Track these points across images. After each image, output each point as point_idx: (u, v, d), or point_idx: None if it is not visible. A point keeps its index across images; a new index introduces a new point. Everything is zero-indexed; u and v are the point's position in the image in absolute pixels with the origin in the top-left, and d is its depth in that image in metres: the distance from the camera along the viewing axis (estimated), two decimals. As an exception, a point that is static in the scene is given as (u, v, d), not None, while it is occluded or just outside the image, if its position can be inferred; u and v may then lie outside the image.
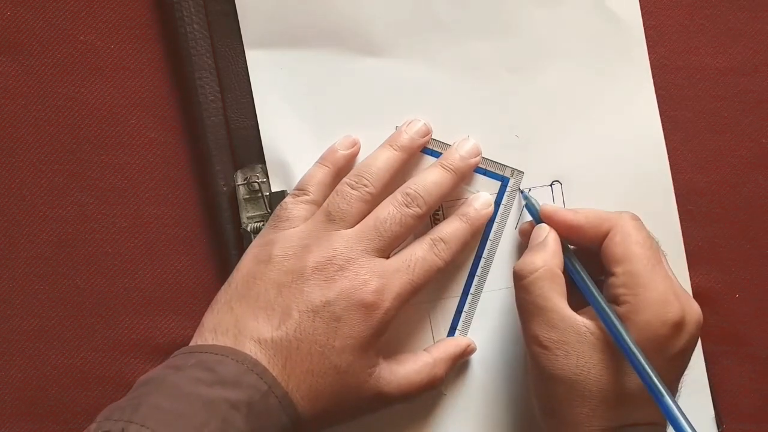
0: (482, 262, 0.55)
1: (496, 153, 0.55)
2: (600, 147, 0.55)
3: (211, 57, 0.55)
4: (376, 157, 0.53)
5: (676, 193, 0.56)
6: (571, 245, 0.52)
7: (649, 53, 0.55)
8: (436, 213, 0.55)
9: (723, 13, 0.56)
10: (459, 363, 0.55)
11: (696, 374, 0.56)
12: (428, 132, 0.54)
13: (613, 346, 0.47)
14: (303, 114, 0.55)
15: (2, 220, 0.56)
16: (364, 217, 0.51)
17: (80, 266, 0.56)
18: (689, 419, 0.44)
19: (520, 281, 0.50)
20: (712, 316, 0.56)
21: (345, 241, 0.50)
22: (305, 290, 0.49)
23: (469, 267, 0.55)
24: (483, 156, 0.55)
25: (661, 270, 0.49)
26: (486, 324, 0.56)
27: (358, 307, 0.49)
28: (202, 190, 0.56)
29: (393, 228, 0.50)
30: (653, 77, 0.55)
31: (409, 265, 0.50)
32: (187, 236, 0.56)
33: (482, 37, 0.55)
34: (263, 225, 0.53)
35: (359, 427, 0.53)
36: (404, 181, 0.53)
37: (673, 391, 0.49)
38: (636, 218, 0.51)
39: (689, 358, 0.50)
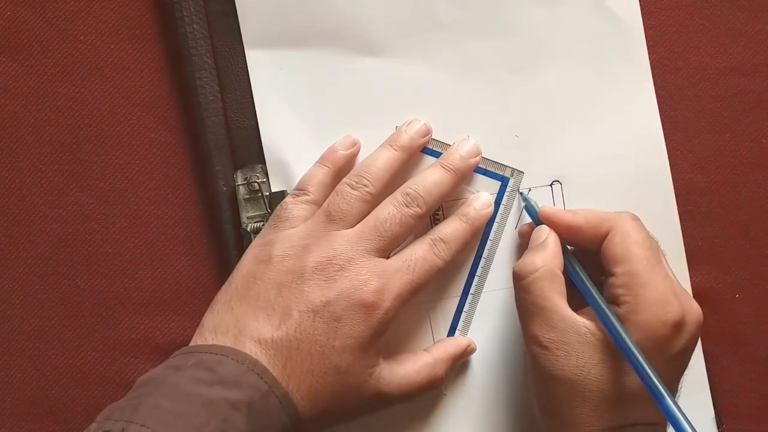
0: (482, 262, 0.55)
1: (496, 153, 0.55)
2: (600, 147, 0.55)
3: (211, 57, 0.55)
4: (376, 157, 0.53)
5: (676, 193, 0.56)
6: (570, 246, 0.52)
7: (649, 53, 0.55)
8: (436, 213, 0.55)
9: (723, 13, 0.56)
10: (459, 363, 0.55)
11: (696, 374, 0.56)
12: (428, 132, 0.54)
13: (613, 347, 0.47)
14: (303, 114, 0.55)
15: (2, 220, 0.56)
16: (364, 217, 0.51)
17: (80, 266, 0.56)
18: (690, 420, 0.44)
19: (519, 281, 0.50)
20: (712, 316, 0.56)
21: (345, 241, 0.50)
22: (305, 290, 0.49)
23: (469, 267, 0.55)
24: (483, 156, 0.55)
25: (661, 270, 0.49)
26: (486, 324, 0.56)
27: (358, 307, 0.49)
28: (202, 190, 0.56)
29: (393, 228, 0.50)
30: (653, 77, 0.55)
31: (409, 265, 0.50)
32: (187, 236, 0.56)
33: (482, 37, 0.55)
34: (263, 225, 0.53)
35: (359, 427, 0.53)
36: (404, 181, 0.53)
37: (673, 391, 0.49)
38: (636, 218, 0.51)
39: (689, 358, 0.50)
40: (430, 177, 0.52)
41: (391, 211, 0.51)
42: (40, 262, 0.56)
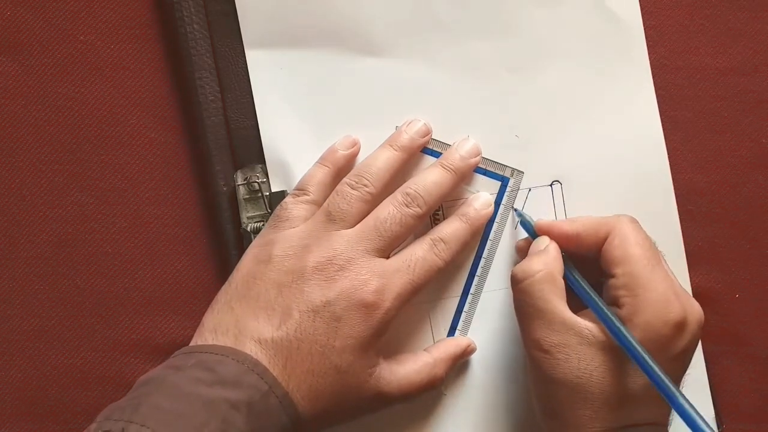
0: (482, 262, 0.55)
1: (496, 153, 0.55)
2: (600, 147, 0.55)
3: (211, 57, 0.55)
4: (376, 157, 0.53)
5: (676, 193, 0.56)
6: (570, 255, 0.52)
7: (649, 53, 0.55)
8: (436, 213, 0.55)
9: (723, 13, 0.56)
10: (459, 363, 0.55)
11: (696, 374, 0.56)
12: (428, 132, 0.54)
13: (614, 348, 0.47)
14: (303, 114, 0.55)
15: (2, 220, 0.56)
16: (364, 217, 0.51)
17: (80, 266, 0.56)
18: (705, 419, 0.44)
19: (518, 284, 0.50)
20: (712, 316, 0.56)
21: (345, 241, 0.50)
22: (305, 290, 0.49)
23: (469, 267, 0.55)
24: (483, 156, 0.55)
25: (661, 270, 0.49)
26: (486, 324, 0.56)
27: (358, 307, 0.49)
28: (202, 190, 0.56)
29: (393, 228, 0.50)
30: (653, 77, 0.55)
31: (409, 265, 0.50)
32: (187, 236, 0.56)
33: (482, 37, 0.55)
34: (263, 225, 0.53)
35: (359, 427, 0.53)
36: (404, 181, 0.53)
37: (675, 391, 0.49)
38: (634, 220, 0.51)
39: (691, 358, 0.50)
40: (430, 177, 0.52)
41: (391, 211, 0.51)
42: (40, 262, 0.56)
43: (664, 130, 0.55)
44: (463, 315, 0.56)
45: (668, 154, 0.55)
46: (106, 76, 0.56)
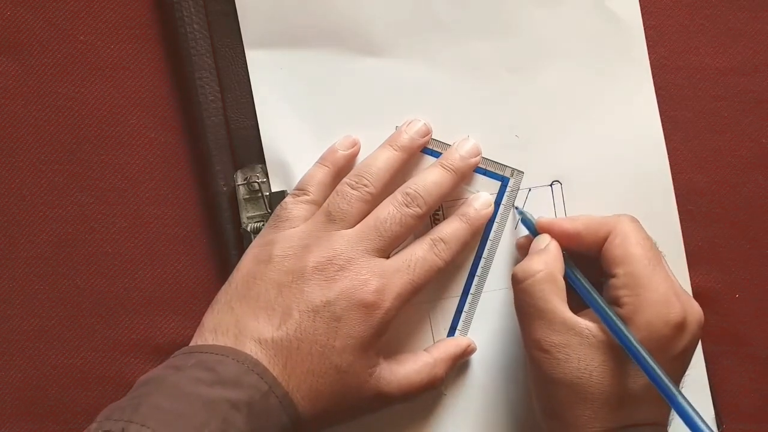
0: (482, 262, 0.55)
1: (496, 153, 0.55)
2: (600, 147, 0.55)
3: (211, 57, 0.55)
4: (376, 157, 0.53)
5: (676, 193, 0.56)
6: (570, 253, 0.52)
7: (649, 53, 0.55)
8: (436, 213, 0.55)
9: (723, 13, 0.56)
10: (459, 363, 0.55)
11: (696, 374, 0.56)
12: (428, 132, 0.54)
13: (614, 348, 0.47)
14: (303, 114, 0.55)
15: (2, 220, 0.56)
16: (364, 217, 0.51)
17: (80, 266, 0.56)
18: (704, 419, 0.44)
19: (519, 284, 0.50)
20: (712, 316, 0.56)
21: (345, 241, 0.50)
22: (305, 290, 0.49)
23: (469, 267, 0.55)
24: (483, 156, 0.55)
25: (662, 271, 0.49)
26: (486, 324, 0.56)
27: (358, 307, 0.49)
28: (202, 190, 0.56)
29: (393, 228, 0.50)
30: (653, 77, 0.55)
31: (409, 265, 0.50)
32: (187, 236, 0.56)
33: (482, 37, 0.55)
34: (263, 225, 0.53)
35: (359, 427, 0.53)
36: (404, 181, 0.53)
37: (675, 391, 0.49)
38: (634, 220, 0.51)
39: (690, 359, 0.50)
40: (430, 177, 0.52)
41: (391, 211, 0.51)
42: (40, 262, 0.56)
43: (664, 130, 0.55)
44: (463, 315, 0.56)
45: (668, 154, 0.55)
46: (106, 76, 0.56)
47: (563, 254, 0.51)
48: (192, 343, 0.49)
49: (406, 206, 0.51)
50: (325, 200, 0.52)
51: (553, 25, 0.55)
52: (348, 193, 0.51)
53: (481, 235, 0.55)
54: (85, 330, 0.56)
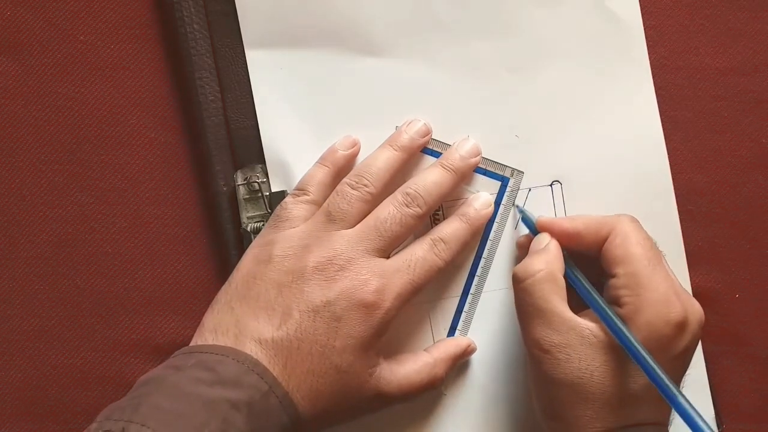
0: (482, 262, 0.55)
1: (496, 153, 0.55)
2: (600, 147, 0.55)
3: (211, 57, 0.55)
4: (376, 157, 0.53)
5: (676, 193, 0.56)
6: (570, 253, 0.52)
7: (649, 53, 0.55)
8: (436, 213, 0.55)
9: (723, 13, 0.56)
10: (459, 363, 0.55)
11: (696, 374, 0.56)
12: (428, 132, 0.54)
13: (615, 348, 0.47)
14: (303, 114, 0.55)
15: (2, 220, 0.56)
16: (364, 217, 0.51)
17: (80, 266, 0.56)
18: (705, 419, 0.44)
19: (519, 283, 0.50)
20: (712, 316, 0.56)
21: (345, 241, 0.50)
22: (306, 290, 0.49)
23: (469, 267, 0.55)
24: (483, 156, 0.55)
25: (662, 270, 0.49)
26: (486, 324, 0.56)
27: (358, 307, 0.49)
28: (202, 190, 0.56)
29: (393, 228, 0.50)
30: (653, 77, 0.55)
31: (409, 265, 0.50)
32: (187, 236, 0.56)
33: (482, 37, 0.55)
34: (263, 225, 0.53)
35: (359, 427, 0.53)
36: (404, 181, 0.53)
37: (676, 391, 0.49)
38: (634, 220, 0.51)
39: (691, 358, 0.50)
40: (430, 177, 0.52)
41: (391, 211, 0.51)
42: (40, 262, 0.56)
43: (664, 130, 0.55)
44: (463, 315, 0.56)
45: (668, 154, 0.55)
46: (106, 76, 0.56)
47: (564, 254, 0.51)
48: (192, 343, 0.49)
49: (406, 206, 0.51)
50: (325, 200, 0.52)
51: (553, 25, 0.55)
52: (348, 193, 0.51)
53: (481, 235, 0.55)
54: (85, 330, 0.56)
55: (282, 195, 0.54)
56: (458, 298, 0.56)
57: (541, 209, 0.55)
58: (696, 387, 0.55)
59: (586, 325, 0.48)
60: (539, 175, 0.55)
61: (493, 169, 0.55)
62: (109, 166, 0.56)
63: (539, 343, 0.48)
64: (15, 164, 0.56)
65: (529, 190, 0.55)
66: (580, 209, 0.55)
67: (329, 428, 0.50)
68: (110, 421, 0.44)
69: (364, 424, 0.53)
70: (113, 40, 0.55)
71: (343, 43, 0.54)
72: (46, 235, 0.56)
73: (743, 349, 0.57)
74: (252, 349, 0.47)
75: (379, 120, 0.54)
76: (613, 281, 0.49)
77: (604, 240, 0.50)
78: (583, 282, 0.50)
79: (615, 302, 0.48)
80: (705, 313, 0.49)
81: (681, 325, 0.47)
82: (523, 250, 0.54)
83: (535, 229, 0.53)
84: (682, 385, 0.50)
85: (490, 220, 0.55)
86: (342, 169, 0.53)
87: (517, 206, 0.55)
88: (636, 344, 0.46)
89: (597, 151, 0.55)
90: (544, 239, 0.51)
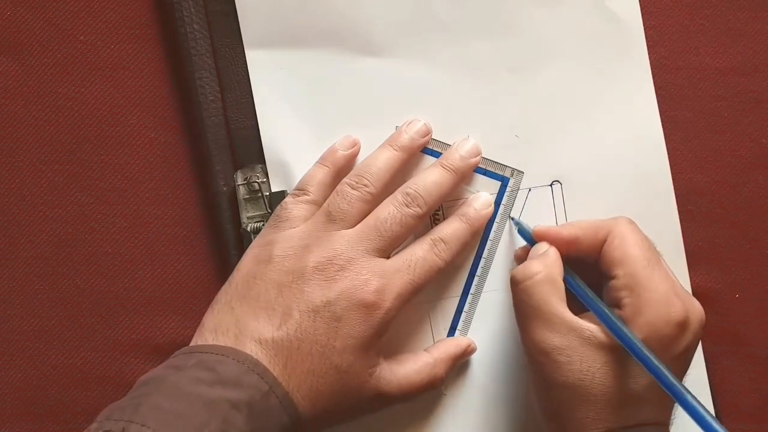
0: (482, 262, 0.55)
1: (496, 153, 0.55)
2: (600, 147, 0.55)
3: (211, 57, 0.55)
4: (376, 157, 0.53)
5: (676, 193, 0.56)
6: (568, 260, 0.51)
7: (649, 53, 0.55)
8: (436, 213, 0.55)
9: (723, 13, 0.56)
10: (459, 363, 0.55)
11: (696, 374, 0.55)
12: (428, 132, 0.54)
13: (616, 349, 0.47)
14: (303, 114, 0.55)
15: (2, 220, 0.56)
16: (364, 217, 0.51)
17: (80, 266, 0.56)
18: (714, 416, 0.44)
19: (518, 285, 0.50)
20: (712, 316, 0.56)
21: (345, 241, 0.50)
22: (306, 290, 0.49)
23: (469, 267, 0.55)
24: (483, 156, 0.55)
25: (661, 270, 0.49)
26: (486, 324, 0.56)
27: (358, 307, 0.49)
28: (202, 190, 0.56)
29: (393, 228, 0.50)
30: (653, 77, 0.55)
31: (409, 265, 0.50)
32: (187, 236, 0.56)
33: (482, 37, 0.55)
34: (263, 225, 0.53)
35: (359, 427, 0.53)
36: (404, 181, 0.53)
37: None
38: (631, 222, 0.51)
39: (692, 358, 0.50)
40: (430, 177, 0.52)
41: (391, 211, 0.51)
42: (40, 262, 0.56)
43: (664, 130, 0.55)
44: (463, 315, 0.56)
45: (668, 154, 0.55)
46: (106, 76, 0.56)
47: (562, 261, 0.51)
48: (192, 343, 0.49)
49: (407, 206, 0.51)
50: (325, 200, 0.52)
51: (553, 25, 0.55)
52: (348, 193, 0.51)
53: (481, 235, 0.55)
54: (85, 330, 0.56)
55: (282, 195, 0.54)
56: (458, 298, 0.56)
57: (541, 209, 0.55)
58: (696, 387, 0.55)
59: (587, 326, 0.48)
60: (539, 175, 0.55)
61: (493, 169, 0.55)
62: (109, 166, 0.56)
63: (539, 346, 0.48)
64: (15, 164, 0.56)
65: (529, 190, 0.55)
66: (580, 209, 0.55)
67: (329, 428, 0.50)
68: (110, 421, 0.44)
69: (364, 424, 0.53)
70: (113, 40, 0.55)
71: (343, 43, 0.54)
72: (46, 235, 0.56)
73: (743, 349, 0.57)
74: (252, 349, 0.47)
75: (379, 120, 0.54)
76: (612, 283, 0.49)
77: (602, 243, 0.50)
78: (583, 286, 0.50)
79: (615, 304, 0.48)
80: (705, 313, 0.49)
81: (682, 325, 0.47)
82: (520, 261, 0.53)
83: (532, 240, 0.52)
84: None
85: (490, 220, 0.55)
86: (342, 169, 0.53)
87: (513, 218, 0.55)
88: (640, 346, 0.46)
89: (597, 151, 0.55)
90: (542, 246, 0.51)
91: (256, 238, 0.52)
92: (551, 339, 0.48)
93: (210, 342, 0.48)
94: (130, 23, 0.55)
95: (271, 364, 0.47)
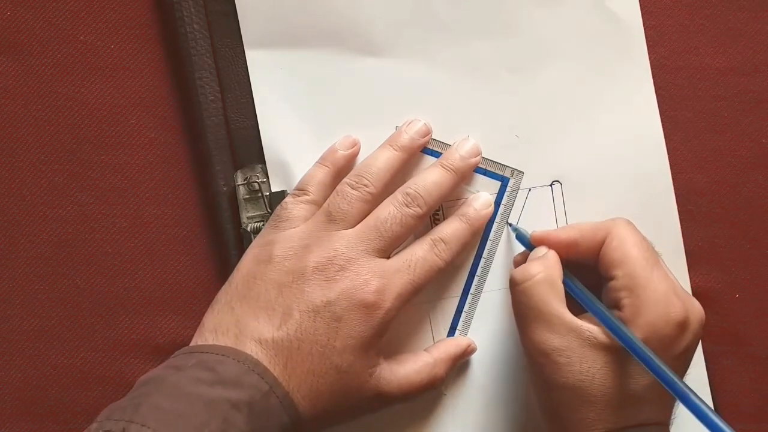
0: (482, 262, 0.55)
1: (496, 153, 0.55)
2: (600, 147, 0.55)
3: (211, 57, 0.55)
4: (376, 157, 0.53)
5: (676, 193, 0.56)
6: (567, 265, 0.51)
7: (649, 53, 0.55)
8: (436, 213, 0.55)
9: (723, 13, 0.56)
10: (459, 363, 0.55)
11: (696, 374, 0.56)
12: (428, 132, 0.54)
13: (616, 349, 0.47)
14: (303, 114, 0.55)
15: (2, 220, 0.56)
16: (364, 217, 0.51)
17: (80, 266, 0.56)
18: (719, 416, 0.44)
19: (517, 286, 0.50)
20: (712, 316, 0.56)
21: (346, 241, 0.50)
22: (306, 290, 0.49)
23: (469, 267, 0.55)
24: (483, 156, 0.55)
25: (660, 270, 0.49)
26: (486, 324, 0.56)
27: (358, 307, 0.49)
28: (202, 190, 0.56)
29: (393, 228, 0.50)
30: (653, 77, 0.55)
31: (409, 266, 0.50)
32: (187, 236, 0.56)
33: (482, 37, 0.55)
34: (263, 225, 0.53)
35: (359, 427, 0.53)
36: (404, 181, 0.53)
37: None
38: (630, 223, 0.51)
39: (692, 357, 0.50)
40: (430, 177, 0.52)
41: (391, 211, 0.51)
42: (40, 262, 0.56)
43: (664, 130, 0.55)
44: (463, 315, 0.56)
45: (668, 154, 0.55)
46: (106, 76, 0.56)
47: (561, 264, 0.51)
48: (192, 343, 0.49)
49: (407, 206, 0.51)
50: (325, 200, 0.52)
51: (553, 25, 0.55)
52: (348, 193, 0.51)
53: (481, 235, 0.55)
54: (85, 330, 0.56)
55: (282, 195, 0.54)
56: (458, 298, 0.56)
57: (540, 209, 0.55)
58: (696, 387, 0.55)
59: (587, 327, 0.48)
60: (539, 175, 0.55)
61: (493, 169, 0.55)
62: (109, 166, 0.56)
63: (539, 347, 0.48)
64: (15, 164, 0.56)
65: (529, 190, 0.55)
66: (580, 209, 0.55)
67: (329, 428, 0.50)
68: (111, 421, 0.44)
69: (364, 424, 0.53)
70: (113, 40, 0.55)
71: (343, 43, 0.54)
72: (46, 235, 0.56)
73: (743, 349, 0.57)
74: (252, 349, 0.47)
75: (379, 120, 0.54)
76: (611, 284, 0.49)
77: (601, 245, 0.50)
78: (582, 288, 0.50)
79: (615, 305, 0.48)
80: (705, 313, 0.49)
81: (682, 324, 0.47)
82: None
83: (530, 245, 0.52)
84: (683, 384, 0.50)
85: (490, 220, 0.55)
86: (342, 169, 0.53)
87: (510, 224, 0.55)
88: (641, 346, 0.45)
89: (597, 151, 0.55)
90: (541, 249, 0.51)
91: (256, 238, 0.52)
92: (551, 340, 0.48)
93: (210, 342, 0.48)
94: (130, 23, 0.55)
95: (271, 364, 0.47)
